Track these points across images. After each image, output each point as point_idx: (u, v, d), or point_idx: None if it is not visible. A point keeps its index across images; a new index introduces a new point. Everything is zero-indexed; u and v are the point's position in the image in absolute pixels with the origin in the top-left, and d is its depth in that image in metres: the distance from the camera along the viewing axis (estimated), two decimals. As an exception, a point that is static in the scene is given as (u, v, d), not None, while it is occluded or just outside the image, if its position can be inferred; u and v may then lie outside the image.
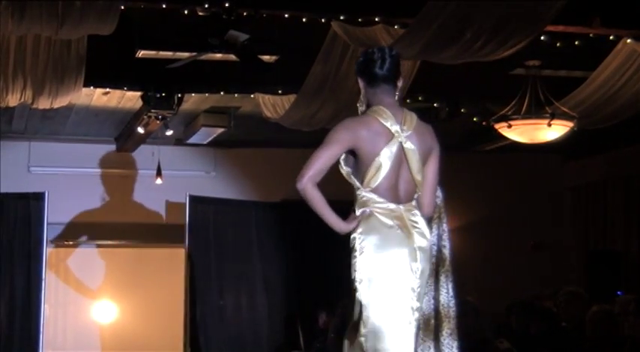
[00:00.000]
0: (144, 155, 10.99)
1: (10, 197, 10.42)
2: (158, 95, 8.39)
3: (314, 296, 10.62)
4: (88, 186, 11.15)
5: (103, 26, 6.28)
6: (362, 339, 4.01)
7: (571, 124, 8.07)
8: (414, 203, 4.12)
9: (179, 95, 8.54)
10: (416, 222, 4.08)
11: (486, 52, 6.34)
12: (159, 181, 10.87)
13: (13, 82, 7.20)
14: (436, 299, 4.34)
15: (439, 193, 4.42)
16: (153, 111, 8.61)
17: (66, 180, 11.04)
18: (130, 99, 8.92)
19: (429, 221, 4.26)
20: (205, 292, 10.33)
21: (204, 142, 10.62)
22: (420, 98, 8.88)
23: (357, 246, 4.16)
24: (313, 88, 7.76)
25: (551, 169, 12.40)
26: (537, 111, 8.08)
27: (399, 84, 4.23)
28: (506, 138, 8.64)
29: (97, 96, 8.85)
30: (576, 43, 7.25)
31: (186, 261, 10.46)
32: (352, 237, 4.23)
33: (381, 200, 4.06)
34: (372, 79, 4.17)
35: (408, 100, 8.51)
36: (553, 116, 7.94)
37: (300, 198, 4.36)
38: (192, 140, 10.45)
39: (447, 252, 4.47)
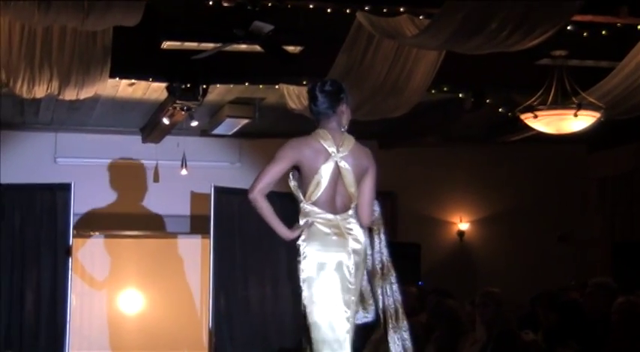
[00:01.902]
0: (169, 146, 11.03)
1: (36, 188, 10.48)
2: (183, 86, 8.41)
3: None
4: (114, 176, 11.21)
5: (128, 17, 6.31)
6: (308, 331, 4.69)
7: (598, 115, 8.01)
8: (350, 212, 4.75)
9: (204, 86, 8.55)
10: (351, 229, 4.72)
11: (512, 42, 6.31)
12: (184, 172, 10.91)
13: (39, 73, 7.24)
14: (392, 297, 5.01)
15: (377, 207, 4.98)
16: (178, 102, 8.63)
17: (92, 170, 11.11)
18: (155, 90, 8.95)
19: (369, 231, 4.91)
20: (230, 283, 10.34)
21: (229, 133, 10.65)
22: (445, 89, 8.85)
23: (301, 252, 4.73)
24: (338, 79, 7.73)
25: (577, 160, 12.33)
26: (564, 101, 8.03)
27: (341, 109, 4.80)
28: (531, 129, 8.59)
29: (123, 88, 8.89)
30: (603, 32, 7.19)
31: (211, 251, 10.49)
32: (297, 244, 4.76)
33: (321, 211, 4.68)
34: (316, 110, 4.83)
35: (432, 91, 8.49)
36: (580, 106, 7.88)
37: None
38: (217, 131, 10.47)
39: (385, 258, 5.05)
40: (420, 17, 6.74)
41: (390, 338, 5.00)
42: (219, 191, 10.29)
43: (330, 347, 4.68)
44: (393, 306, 5.01)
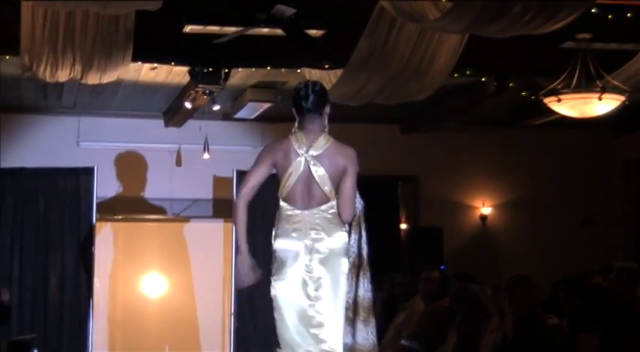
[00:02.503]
0: (191, 130, 11.05)
1: (59, 172, 10.54)
2: (205, 70, 8.41)
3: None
4: (136, 160, 11.24)
5: (150, 1, 6.31)
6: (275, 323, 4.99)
7: (622, 98, 7.95)
8: (322, 208, 4.98)
9: (226, 70, 8.54)
10: (317, 224, 4.96)
11: (535, 26, 6.25)
12: (206, 156, 10.93)
13: (62, 57, 7.26)
14: (355, 293, 5.17)
15: (359, 204, 5.23)
16: (200, 86, 8.63)
17: (114, 154, 11.15)
18: (177, 74, 8.96)
19: (350, 226, 5.12)
20: (252, 266, 10.38)
21: (251, 117, 10.65)
22: (468, 72, 8.80)
23: (273, 253, 5.03)
24: (360, 63, 7.73)
25: (601, 144, 12.25)
26: (588, 84, 7.97)
27: (326, 110, 5.12)
28: (555, 113, 8.54)
29: (145, 72, 8.90)
30: (628, 15, 7.13)
31: (234, 235, 10.52)
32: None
33: (289, 207, 4.99)
34: (299, 110, 5.07)
35: (455, 75, 8.44)
36: (604, 90, 7.82)
37: None
38: (239, 115, 10.47)
39: (364, 253, 5.23)
40: (443, 0, 6.69)
41: (357, 330, 5.18)
42: (242, 175, 10.25)
43: (284, 341, 4.95)
44: (358, 301, 5.17)
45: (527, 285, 6.46)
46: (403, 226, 11.83)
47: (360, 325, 5.19)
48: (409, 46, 7.53)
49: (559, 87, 8.06)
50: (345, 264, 5.03)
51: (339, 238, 5.02)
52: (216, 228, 11.41)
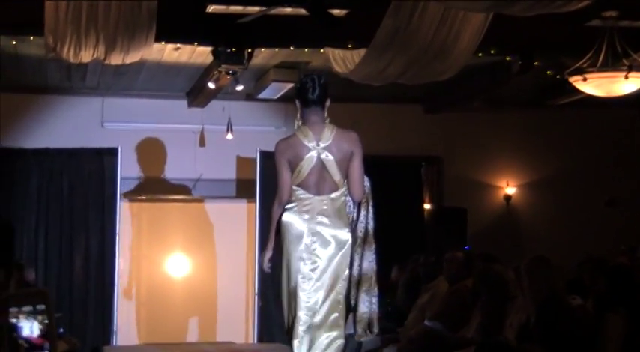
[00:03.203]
0: (214, 110, 11.05)
1: (84, 152, 10.59)
2: (228, 50, 8.39)
3: (386, 250, 10.61)
4: (160, 141, 11.27)
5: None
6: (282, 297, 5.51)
7: (649, 77, 7.87)
8: (332, 196, 5.36)
9: (249, 50, 8.52)
10: (325, 210, 5.34)
11: (561, 4, 6.18)
12: (229, 136, 10.94)
13: (86, 38, 7.27)
14: (360, 266, 5.59)
15: (367, 183, 5.57)
16: (223, 66, 8.62)
17: (138, 135, 11.18)
18: (200, 54, 8.95)
19: (359, 205, 5.56)
20: (275, 247, 10.40)
21: (275, 97, 10.63)
22: (492, 52, 8.74)
23: (281, 224, 5.42)
24: (383, 43, 7.69)
25: (626, 123, 12.14)
26: (614, 63, 7.89)
27: (327, 104, 5.47)
28: (580, 92, 8.46)
29: (168, 52, 8.90)
30: (655, -8, 7.04)
31: (257, 215, 10.54)
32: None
33: (303, 192, 5.35)
34: (305, 102, 5.41)
35: (479, 54, 8.39)
36: (630, 68, 7.74)
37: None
38: (262, 95, 10.46)
39: (370, 228, 5.66)
40: (468, -21, 6.64)
41: (360, 298, 5.62)
42: (265, 155, 10.30)
43: (289, 309, 5.44)
44: (369, 273, 5.61)
45: (547, 267, 6.43)
46: (427, 206, 11.80)
47: (363, 295, 5.61)
48: (433, 26, 7.48)
49: (585, 66, 7.98)
50: (344, 261, 5.40)
51: (342, 235, 5.39)
52: (240, 209, 11.44)
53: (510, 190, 12.23)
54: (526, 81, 9.62)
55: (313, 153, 5.32)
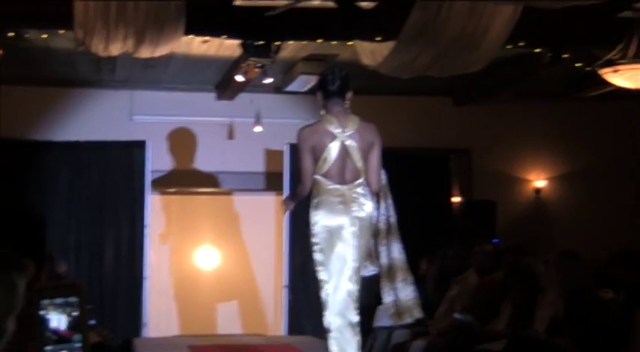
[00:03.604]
0: (243, 103, 11.06)
1: (113, 145, 10.65)
2: (257, 43, 8.38)
3: (414, 243, 10.59)
4: (189, 133, 11.30)
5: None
6: (320, 284, 5.67)
7: (681, 69, 7.78)
8: (356, 183, 5.58)
9: (277, 43, 8.52)
10: (356, 198, 5.57)
11: (591, -5, 6.14)
12: (258, 129, 10.95)
13: (115, 31, 7.29)
14: (389, 256, 5.88)
15: (383, 176, 5.82)
16: (252, 59, 8.62)
17: (167, 128, 11.22)
18: (228, 47, 8.95)
19: (377, 197, 5.78)
20: (305, 239, 10.40)
21: (303, 90, 10.62)
22: (521, 44, 8.67)
23: (312, 219, 5.66)
24: (412, 35, 7.66)
25: (657, 116, 12.04)
26: (645, 55, 7.81)
27: (349, 95, 5.69)
28: (611, 84, 8.38)
29: (197, 45, 8.91)
30: (688, -17, 6.96)
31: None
32: (310, 212, 5.68)
33: (329, 182, 5.55)
34: (327, 93, 5.66)
35: (509, 46, 8.34)
36: (662, 60, 7.66)
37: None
38: (290, 88, 10.46)
39: (393, 220, 5.95)
40: (497, -30, 6.60)
41: (399, 289, 5.90)
42: (294, 148, 10.29)
43: (333, 303, 5.60)
44: (394, 264, 5.88)
45: (575, 261, 6.40)
46: (456, 199, 11.77)
47: (400, 284, 5.90)
48: (462, 18, 7.44)
49: (615, 57, 7.90)
50: (370, 230, 5.71)
51: (369, 208, 5.66)
52: (269, 201, 11.45)
53: (540, 183, 12.16)
54: (556, 73, 9.54)
55: (338, 141, 5.54)
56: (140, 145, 10.56)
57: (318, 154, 5.54)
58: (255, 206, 11.57)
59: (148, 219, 10.52)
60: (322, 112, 5.68)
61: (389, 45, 8.22)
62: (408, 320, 6.09)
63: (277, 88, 10.85)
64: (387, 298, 5.92)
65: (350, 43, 8.66)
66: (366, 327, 9.42)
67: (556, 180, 12.19)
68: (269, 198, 11.45)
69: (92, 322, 8.22)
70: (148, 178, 10.57)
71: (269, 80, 9.61)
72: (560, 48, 8.91)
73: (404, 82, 9.08)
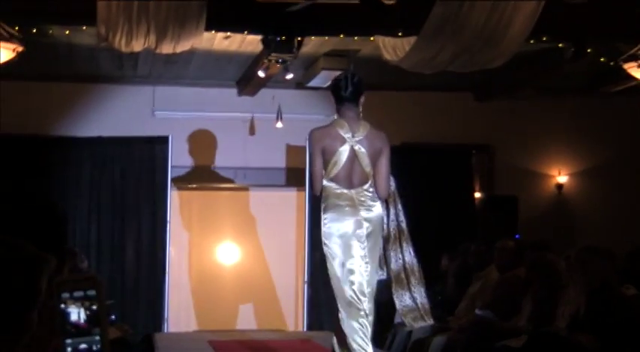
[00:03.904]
0: (264, 99, 11.07)
1: (135, 141, 10.68)
2: (278, 39, 8.39)
3: (436, 239, 10.59)
4: (210, 129, 11.32)
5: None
6: (331, 281, 5.83)
7: None
8: (364, 187, 5.69)
9: (299, 38, 8.52)
10: (364, 201, 5.68)
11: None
12: (279, 125, 10.95)
13: (137, 27, 7.32)
14: (402, 259, 5.96)
15: (392, 182, 5.90)
16: (273, 54, 8.62)
17: (188, 123, 11.24)
18: (250, 43, 8.96)
19: (386, 203, 5.88)
20: (325, 235, 10.42)
21: (324, 85, 10.59)
22: (544, 38, 8.62)
23: (322, 221, 5.75)
24: (434, 30, 7.64)
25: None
26: (669, 50, 7.76)
27: (362, 100, 5.83)
28: (635, 79, 8.34)
29: (218, 41, 8.92)
30: None
31: (307, 203, 10.56)
32: (321, 216, 5.78)
33: (337, 186, 5.67)
34: (339, 99, 5.81)
35: (531, 41, 8.30)
36: (686, 55, 7.61)
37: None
38: (312, 83, 10.45)
39: (404, 225, 6.00)
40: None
41: (416, 292, 6.01)
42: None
43: (342, 299, 5.72)
44: (407, 267, 5.97)
45: (598, 256, 6.36)
46: (477, 195, 11.73)
47: (416, 288, 6.03)
48: (484, 13, 7.41)
49: (639, 52, 7.86)
50: (381, 234, 5.81)
51: (378, 210, 5.75)
52: (290, 197, 11.46)
53: (562, 178, 12.10)
54: (579, 68, 9.49)
55: (348, 145, 5.68)
56: (162, 141, 10.60)
57: (328, 157, 5.68)
58: (276, 202, 11.57)
59: (169, 214, 10.55)
60: (335, 116, 5.87)
61: (410, 40, 8.20)
62: (422, 324, 6.26)
63: (299, 84, 10.86)
64: (401, 303, 6.03)
65: (371, 38, 8.64)
66: (387, 323, 9.44)
67: (578, 175, 12.13)
68: (290, 193, 11.46)
69: (112, 317, 8.26)
70: (170, 174, 10.60)
71: (290, 76, 9.61)
72: (583, 42, 8.86)
73: (425, 77, 9.06)
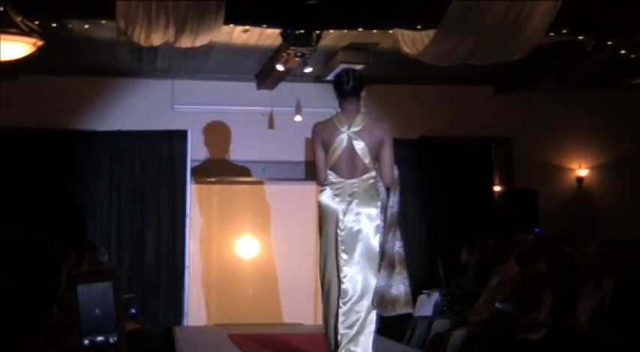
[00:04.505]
0: (283, 92, 11.06)
1: (155, 134, 10.71)
2: (297, 32, 8.39)
3: (455, 232, 10.57)
4: (229, 123, 11.33)
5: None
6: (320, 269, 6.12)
7: None
8: (363, 177, 5.99)
9: (318, 32, 8.51)
10: (355, 193, 5.97)
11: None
12: (298, 118, 10.95)
13: (156, 21, 7.33)
14: (392, 248, 6.06)
15: (396, 171, 6.09)
16: (292, 48, 8.62)
17: (208, 117, 11.25)
18: (269, 36, 8.96)
19: (388, 190, 6.06)
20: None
21: (343, 79, 10.59)
22: (564, 31, 8.58)
23: (318, 202, 6.16)
24: (453, 23, 7.61)
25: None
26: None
27: (363, 94, 6.13)
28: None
29: (237, 34, 8.93)
30: None
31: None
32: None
33: (334, 175, 6.04)
34: (341, 93, 6.13)
35: (551, 33, 8.25)
36: None
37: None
38: (331, 77, 10.41)
39: (394, 212, 6.10)
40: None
41: (394, 281, 6.08)
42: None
43: (329, 282, 6.01)
44: (396, 255, 6.06)
45: (621, 250, 6.33)
46: (497, 188, 11.69)
47: (397, 277, 6.09)
48: (503, 5, 7.38)
49: (660, 45, 7.81)
50: (373, 229, 5.98)
51: (372, 208, 5.98)
52: (309, 191, 11.44)
53: (582, 172, 12.04)
54: (599, 60, 9.43)
55: (344, 136, 6.00)
56: (181, 135, 10.62)
57: (327, 148, 6.05)
58: (295, 195, 11.58)
59: (188, 208, 10.58)
60: (337, 109, 6.19)
61: (430, 33, 8.18)
62: (391, 312, 6.15)
63: (317, 78, 10.84)
64: (379, 284, 6.06)
65: (390, 31, 8.62)
66: (406, 317, 9.43)
67: (598, 168, 12.06)
68: (309, 187, 11.44)
69: (132, 310, 8.29)
70: (189, 167, 10.62)
71: (309, 69, 9.60)
72: (604, 35, 8.80)
73: (444, 70, 9.03)
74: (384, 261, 6.05)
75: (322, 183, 6.09)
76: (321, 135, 6.13)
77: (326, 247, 6.04)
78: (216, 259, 11.49)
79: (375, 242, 6.00)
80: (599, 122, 11.89)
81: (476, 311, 8.37)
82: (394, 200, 6.12)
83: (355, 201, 5.96)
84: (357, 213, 5.96)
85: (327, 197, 6.02)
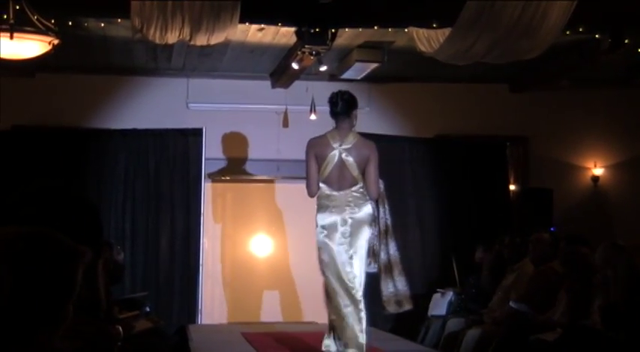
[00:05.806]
0: (298, 91, 11.06)
1: (169, 133, 10.72)
2: (312, 31, 8.38)
3: (469, 231, 10.55)
4: (244, 121, 11.33)
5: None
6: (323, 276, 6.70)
7: None
8: (353, 189, 6.57)
9: (333, 30, 8.50)
10: (351, 201, 6.55)
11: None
12: (313, 117, 10.94)
13: (171, 19, 7.34)
14: (387, 253, 6.75)
15: (381, 185, 6.66)
16: (307, 46, 8.62)
17: (222, 115, 11.26)
18: (284, 35, 8.96)
19: (376, 203, 6.70)
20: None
21: (358, 77, 10.59)
22: (581, 29, 8.54)
23: (316, 221, 6.73)
24: (469, 22, 7.58)
25: None
26: None
27: (355, 113, 6.77)
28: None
29: (252, 33, 8.93)
30: None
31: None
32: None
33: (328, 188, 6.62)
34: (333, 113, 6.76)
35: (567, 32, 8.22)
36: None
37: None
38: (346, 75, 10.43)
39: (389, 223, 6.80)
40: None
41: (397, 281, 6.76)
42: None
43: (336, 293, 6.54)
44: (391, 260, 6.73)
45: (635, 250, 6.31)
46: (512, 187, 11.66)
47: (398, 277, 6.75)
48: (519, 4, 7.35)
49: (677, 43, 7.76)
50: (368, 230, 6.56)
51: (366, 210, 6.55)
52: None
53: (598, 171, 12.00)
54: (615, 59, 9.39)
55: (336, 152, 6.56)
56: (196, 133, 10.63)
57: (320, 162, 6.60)
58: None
59: (203, 206, 10.58)
60: (333, 126, 6.73)
61: (445, 32, 8.16)
62: (407, 308, 6.90)
63: (332, 76, 10.84)
64: (387, 290, 6.78)
65: (406, 30, 8.61)
66: (421, 316, 9.41)
67: (614, 167, 12.02)
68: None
69: (147, 309, 8.30)
70: (204, 166, 10.63)
71: (324, 68, 9.60)
72: (620, 33, 8.76)
73: (460, 68, 9.01)
74: (383, 267, 6.73)
75: (312, 194, 6.65)
76: (314, 150, 6.65)
77: (329, 259, 6.64)
78: (231, 257, 11.50)
79: (366, 242, 6.56)
80: (615, 121, 11.85)
81: (490, 311, 8.35)
82: (384, 211, 6.77)
83: (353, 210, 6.52)
84: (357, 222, 6.51)
85: (325, 210, 6.62)
